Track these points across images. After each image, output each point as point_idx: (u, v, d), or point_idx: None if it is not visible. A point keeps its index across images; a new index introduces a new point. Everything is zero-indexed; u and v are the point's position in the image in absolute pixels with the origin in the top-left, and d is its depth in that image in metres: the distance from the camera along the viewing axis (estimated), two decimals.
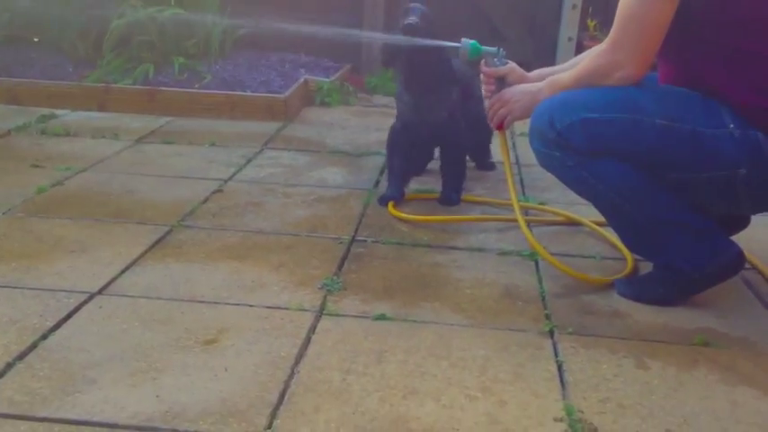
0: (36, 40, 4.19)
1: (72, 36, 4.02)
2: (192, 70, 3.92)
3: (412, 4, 2.23)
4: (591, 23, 4.33)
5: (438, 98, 2.34)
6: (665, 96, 1.67)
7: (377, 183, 2.65)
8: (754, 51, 1.58)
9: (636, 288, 1.80)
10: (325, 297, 1.74)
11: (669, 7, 1.56)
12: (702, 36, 1.61)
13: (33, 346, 1.47)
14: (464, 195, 2.52)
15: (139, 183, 2.53)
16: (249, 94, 3.69)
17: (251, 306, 1.68)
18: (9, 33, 4.12)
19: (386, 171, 2.53)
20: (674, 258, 1.72)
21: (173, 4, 3.98)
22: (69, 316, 1.60)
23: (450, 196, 2.45)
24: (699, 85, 1.65)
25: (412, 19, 2.15)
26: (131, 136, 3.15)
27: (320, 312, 1.66)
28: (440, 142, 2.51)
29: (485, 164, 2.84)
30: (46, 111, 3.49)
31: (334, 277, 1.84)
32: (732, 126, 1.59)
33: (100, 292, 1.72)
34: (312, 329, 1.59)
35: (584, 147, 1.66)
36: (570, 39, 4.34)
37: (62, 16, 3.97)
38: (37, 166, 2.66)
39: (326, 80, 4.02)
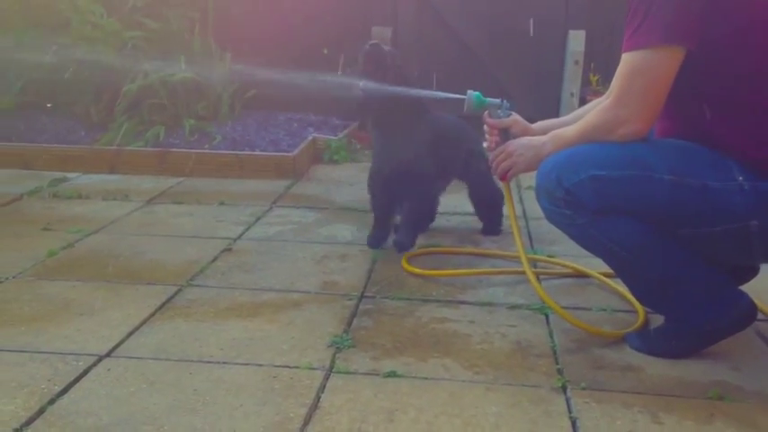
0: (49, 105, 4.30)
1: (85, 101, 4.12)
2: (202, 131, 3.99)
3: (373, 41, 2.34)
4: (593, 78, 4.40)
5: (405, 140, 2.36)
6: (671, 151, 1.64)
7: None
8: (756, 104, 1.58)
9: (648, 341, 1.78)
10: (334, 355, 1.73)
11: (675, 62, 1.55)
12: (705, 90, 1.61)
13: (41, 411, 1.46)
14: (473, 249, 2.53)
15: (149, 243, 2.55)
16: (258, 153, 3.74)
17: (260, 365, 1.67)
18: (22, 100, 4.23)
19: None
20: (686, 312, 1.70)
21: (183, 68, 4.08)
22: (78, 379, 1.59)
23: (403, 241, 2.40)
24: (702, 139, 1.64)
25: (374, 42, 2.28)
26: (142, 197, 3.19)
27: (330, 371, 1.65)
28: (405, 184, 2.41)
29: (492, 229, 2.72)
30: (58, 174, 3.54)
31: (344, 334, 1.83)
32: (741, 179, 1.57)
33: (108, 354, 1.72)
34: (322, 388, 1.57)
35: (594, 205, 1.63)
36: (573, 94, 4.41)
37: (75, 82, 4.07)
38: (48, 230, 2.69)
39: (334, 138, 4.08)
